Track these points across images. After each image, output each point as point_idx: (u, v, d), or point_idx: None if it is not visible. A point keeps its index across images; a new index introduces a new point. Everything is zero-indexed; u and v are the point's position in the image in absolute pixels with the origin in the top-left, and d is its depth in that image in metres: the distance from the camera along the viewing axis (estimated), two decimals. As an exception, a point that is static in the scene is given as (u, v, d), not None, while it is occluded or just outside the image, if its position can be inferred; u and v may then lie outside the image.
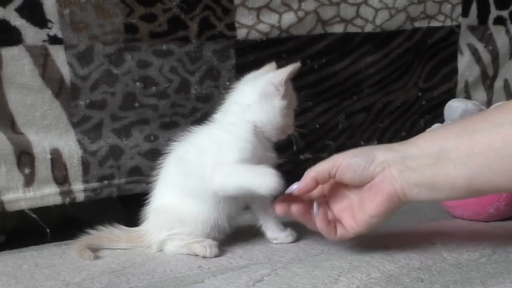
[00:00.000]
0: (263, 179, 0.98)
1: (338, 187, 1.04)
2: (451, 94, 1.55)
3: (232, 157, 1.02)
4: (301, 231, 1.08)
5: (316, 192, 1.06)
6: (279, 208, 1.02)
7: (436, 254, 1.04)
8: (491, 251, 1.04)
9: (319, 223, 1.01)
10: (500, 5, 1.57)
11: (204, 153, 1.05)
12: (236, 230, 1.11)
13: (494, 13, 1.56)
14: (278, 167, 1.09)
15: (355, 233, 1.01)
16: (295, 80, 1.07)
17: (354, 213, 1.01)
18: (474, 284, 0.91)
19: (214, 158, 1.03)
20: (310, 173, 1.02)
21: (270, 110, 1.05)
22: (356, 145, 1.39)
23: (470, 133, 0.94)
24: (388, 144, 1.03)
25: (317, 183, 1.02)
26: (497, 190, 1.03)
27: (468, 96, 1.57)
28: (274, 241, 1.10)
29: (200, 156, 1.05)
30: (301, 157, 1.34)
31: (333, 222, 1.02)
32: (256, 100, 1.05)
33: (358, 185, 1.00)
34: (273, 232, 1.09)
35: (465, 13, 1.52)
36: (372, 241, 1.08)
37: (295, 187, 1.03)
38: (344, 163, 0.99)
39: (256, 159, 1.04)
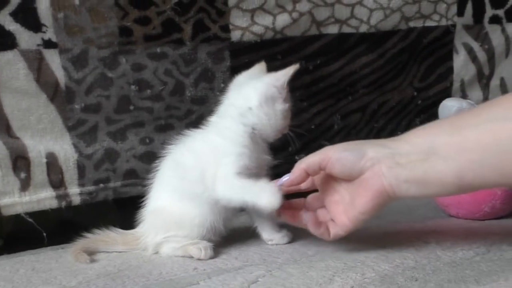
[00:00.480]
0: (266, 196, 1.00)
1: (329, 180, 1.06)
2: (446, 93, 1.55)
3: (231, 167, 1.03)
4: (296, 232, 1.09)
5: (306, 184, 1.08)
6: (285, 217, 1.05)
7: (430, 253, 1.05)
8: (485, 250, 1.05)
9: (311, 228, 1.02)
10: (495, 4, 1.57)
11: (201, 158, 1.06)
12: (232, 231, 1.12)
13: (489, 12, 1.57)
14: (274, 168, 1.10)
15: (347, 231, 1.02)
16: (290, 81, 1.08)
17: (346, 209, 1.02)
18: (468, 283, 0.92)
19: (214, 166, 1.04)
20: (300, 164, 1.03)
21: (272, 113, 1.07)
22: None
23: (460, 129, 0.95)
24: (379, 139, 1.04)
25: (307, 174, 1.04)
26: (487, 186, 1.03)
27: (464, 95, 1.58)
28: (270, 242, 1.11)
29: (196, 161, 1.06)
30: (297, 157, 1.34)
31: (325, 223, 1.03)
32: (258, 103, 1.06)
33: (348, 179, 1.01)
34: (269, 233, 1.10)
35: (460, 12, 1.53)
36: (367, 241, 1.09)
37: (286, 179, 1.04)
38: (335, 156, 1.00)
39: (253, 162, 1.05)
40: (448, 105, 1.26)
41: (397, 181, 0.97)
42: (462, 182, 0.95)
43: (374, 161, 0.98)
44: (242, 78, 1.11)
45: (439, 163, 0.95)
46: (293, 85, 1.11)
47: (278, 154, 1.14)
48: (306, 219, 1.03)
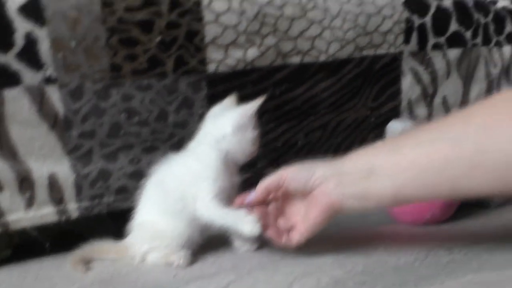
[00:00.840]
0: (248, 225, 1.03)
1: (288, 194, 1.09)
2: (396, 111, 1.58)
3: (210, 191, 1.07)
4: (265, 239, 1.11)
5: (270, 198, 1.10)
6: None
7: (378, 258, 1.07)
8: (424, 255, 1.08)
9: (275, 241, 1.05)
10: (437, 33, 1.60)
11: (181, 180, 1.09)
12: (208, 239, 1.13)
13: (432, 40, 1.60)
14: (245, 182, 1.13)
15: (305, 238, 1.05)
16: (259, 106, 1.11)
17: (302, 219, 1.05)
18: (409, 286, 0.95)
19: (192, 188, 1.07)
20: (263, 184, 1.08)
21: (243, 140, 1.09)
22: (313, 158, 1.44)
23: (398, 150, 0.99)
24: (329, 160, 1.06)
25: (269, 192, 1.06)
26: (421, 200, 1.07)
27: (411, 112, 1.60)
28: (241, 249, 1.13)
29: (176, 182, 1.09)
30: (265, 171, 1.36)
31: (286, 232, 1.06)
32: (232, 131, 1.09)
33: (303, 195, 1.04)
34: (240, 241, 1.12)
35: (406, 41, 1.55)
36: (325, 247, 1.11)
37: (251, 197, 1.07)
38: (290, 176, 1.04)
39: (227, 184, 1.08)
40: (393, 127, 1.29)
41: (342, 197, 1.00)
42: (398, 198, 0.99)
43: (323, 180, 1.01)
44: (216, 110, 1.14)
45: (378, 181, 0.98)
46: (262, 108, 1.13)
47: (249, 169, 1.16)
48: (269, 234, 1.05)
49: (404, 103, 1.59)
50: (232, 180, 1.10)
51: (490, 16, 1.71)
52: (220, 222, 1.06)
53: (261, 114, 1.14)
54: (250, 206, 1.08)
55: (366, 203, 1.01)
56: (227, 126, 1.09)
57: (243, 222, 1.04)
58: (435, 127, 1.01)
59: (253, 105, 1.09)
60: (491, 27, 1.71)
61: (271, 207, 1.11)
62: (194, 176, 1.08)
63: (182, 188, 1.08)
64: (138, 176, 1.19)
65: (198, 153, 1.10)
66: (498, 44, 1.73)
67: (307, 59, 1.42)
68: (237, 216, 1.05)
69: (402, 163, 0.98)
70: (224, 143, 1.09)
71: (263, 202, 1.09)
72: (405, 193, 0.98)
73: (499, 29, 1.72)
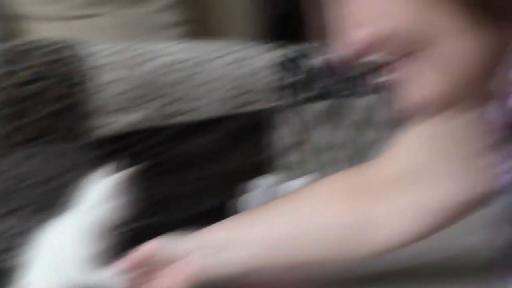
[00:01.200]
0: (112, 280, 1.04)
1: (161, 262, 1.09)
2: (271, 159, 1.61)
3: (84, 254, 1.05)
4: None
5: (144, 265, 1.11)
6: None
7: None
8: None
9: None
10: (307, 89, 1.64)
11: (61, 244, 1.08)
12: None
13: (302, 95, 1.63)
14: (133, 230, 1.13)
15: None
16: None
17: (173, 286, 1.06)
18: None
19: (70, 253, 1.06)
20: (134, 254, 1.07)
21: (116, 206, 1.09)
22: (200, 204, 1.46)
23: (251, 224, 1.02)
24: (195, 232, 1.07)
25: (142, 260, 1.07)
26: (270, 270, 1.09)
27: (286, 158, 1.63)
28: None
29: (57, 245, 1.08)
30: (152, 220, 1.37)
31: None
32: (104, 199, 1.08)
33: (173, 263, 1.05)
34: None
35: (280, 97, 1.58)
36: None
37: (123, 266, 1.07)
38: (160, 246, 1.05)
39: (101, 246, 1.08)
40: (258, 184, 1.32)
41: (204, 267, 1.02)
42: (252, 268, 1.01)
43: (188, 252, 1.03)
44: (92, 178, 1.13)
45: (232, 253, 1.01)
46: (149, 164, 1.13)
47: (135, 222, 1.16)
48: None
49: (278, 151, 1.63)
50: (107, 242, 1.10)
51: (358, 69, 1.76)
52: (92, 282, 1.06)
53: (146, 170, 1.14)
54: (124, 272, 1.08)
55: (225, 272, 1.03)
56: (99, 194, 1.09)
57: (109, 278, 1.05)
58: (285, 202, 1.05)
59: (124, 174, 1.10)
60: (358, 80, 1.76)
61: (146, 272, 1.11)
62: (71, 240, 1.08)
63: (61, 250, 1.08)
64: (26, 236, 1.17)
65: (75, 218, 1.10)
66: (363, 94, 1.77)
67: (190, 118, 1.43)
68: (104, 273, 1.06)
69: (252, 237, 1.01)
70: (97, 209, 1.09)
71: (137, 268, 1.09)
72: (256, 265, 1.01)
73: (365, 80, 1.77)
